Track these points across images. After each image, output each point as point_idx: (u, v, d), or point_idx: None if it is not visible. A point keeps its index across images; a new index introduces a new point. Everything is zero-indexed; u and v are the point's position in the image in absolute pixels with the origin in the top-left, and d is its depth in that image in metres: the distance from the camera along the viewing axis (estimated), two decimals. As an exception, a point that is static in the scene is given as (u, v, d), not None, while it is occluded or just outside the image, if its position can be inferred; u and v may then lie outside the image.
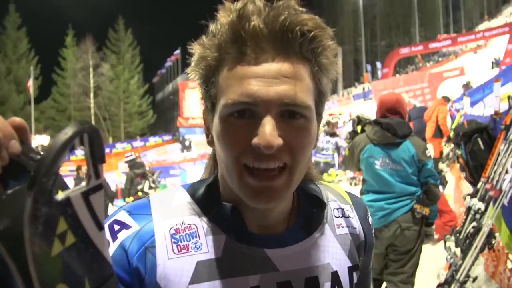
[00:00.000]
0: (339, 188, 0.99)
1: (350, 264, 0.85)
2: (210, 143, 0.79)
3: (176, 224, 0.76)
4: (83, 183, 0.47)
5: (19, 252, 0.38)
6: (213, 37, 0.71)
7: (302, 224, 0.83)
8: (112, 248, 0.72)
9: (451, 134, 9.29)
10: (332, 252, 0.84)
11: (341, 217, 0.90)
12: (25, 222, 0.38)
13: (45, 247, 0.40)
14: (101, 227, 0.49)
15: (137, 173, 9.91)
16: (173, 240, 0.74)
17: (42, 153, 0.45)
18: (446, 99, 10.01)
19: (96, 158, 0.47)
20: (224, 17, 0.70)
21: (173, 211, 0.78)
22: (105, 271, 0.50)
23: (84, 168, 9.50)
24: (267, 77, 0.67)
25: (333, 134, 7.91)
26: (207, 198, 0.80)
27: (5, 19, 52.26)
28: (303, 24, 0.67)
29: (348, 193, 0.99)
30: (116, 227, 0.75)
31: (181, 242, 0.74)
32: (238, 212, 0.77)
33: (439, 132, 9.32)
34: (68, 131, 0.42)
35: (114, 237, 0.74)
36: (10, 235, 0.38)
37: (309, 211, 0.85)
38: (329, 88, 0.76)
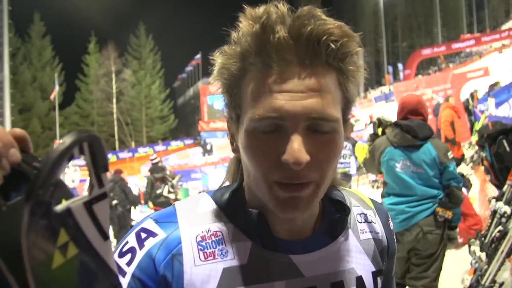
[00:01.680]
0: (361, 193, 0.99)
1: (374, 269, 0.85)
2: (235, 150, 0.79)
3: (202, 231, 0.76)
4: (85, 193, 0.47)
5: (17, 265, 0.38)
6: (235, 46, 0.71)
7: (326, 229, 0.83)
8: (139, 256, 0.73)
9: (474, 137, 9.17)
10: (356, 257, 0.83)
11: (364, 222, 0.90)
12: (23, 235, 0.38)
13: (45, 260, 0.40)
14: (106, 237, 0.48)
15: (157, 177, 10.00)
16: (199, 247, 0.75)
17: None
18: (447, 100, 9.93)
19: (98, 167, 0.46)
20: (246, 25, 0.68)
21: (199, 218, 0.78)
22: (110, 282, 0.49)
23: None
24: (294, 92, 0.66)
25: (348, 138, 7.65)
26: (232, 205, 0.80)
27: (30, 28, 53.59)
28: (330, 34, 0.66)
29: (370, 198, 0.98)
30: (143, 235, 0.76)
31: (207, 249, 0.75)
32: (264, 218, 0.77)
33: (452, 140, 9.17)
34: (65, 141, 0.42)
35: (141, 245, 0.74)
36: (8, 248, 0.38)
37: (333, 216, 0.85)
38: (356, 94, 0.76)
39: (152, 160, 10.54)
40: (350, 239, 0.85)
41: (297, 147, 0.65)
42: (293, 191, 0.68)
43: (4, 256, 0.38)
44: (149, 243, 0.74)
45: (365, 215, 0.91)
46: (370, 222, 0.91)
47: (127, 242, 0.76)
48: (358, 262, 0.83)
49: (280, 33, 0.65)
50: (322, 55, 0.67)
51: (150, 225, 0.77)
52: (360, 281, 0.81)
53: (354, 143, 7.69)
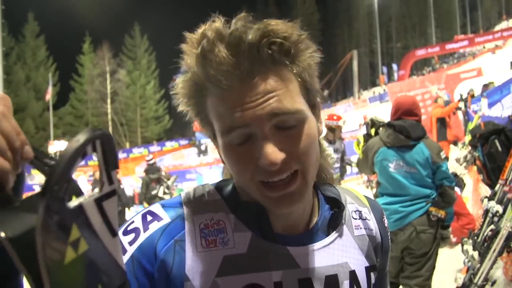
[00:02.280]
0: (357, 191, 1.02)
1: (367, 264, 0.88)
2: (223, 161, 0.83)
3: (206, 220, 0.80)
4: (96, 190, 0.47)
5: (31, 259, 0.38)
6: (187, 75, 0.74)
7: (321, 225, 0.86)
8: (142, 237, 0.76)
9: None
10: (350, 252, 0.86)
11: (358, 219, 0.93)
12: (37, 230, 0.38)
13: (58, 255, 0.40)
14: (114, 234, 0.49)
15: (152, 178, 9.97)
16: (202, 234, 0.78)
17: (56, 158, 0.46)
18: (436, 101, 10.18)
19: (109, 164, 0.47)
20: (190, 55, 0.71)
21: (203, 207, 0.82)
22: (118, 278, 0.50)
23: (98, 173, 9.65)
24: (250, 102, 0.69)
25: (337, 139, 6.97)
26: (234, 197, 0.84)
27: (24, 28, 53.27)
28: (267, 35, 0.68)
29: (366, 196, 1.01)
30: (149, 218, 0.79)
31: (209, 236, 0.78)
32: (263, 211, 0.79)
33: (441, 135, 9.28)
34: (79, 138, 0.42)
35: (146, 228, 0.77)
36: (23, 243, 0.38)
37: (328, 213, 0.88)
38: (315, 79, 0.77)
39: (148, 160, 10.52)
40: (345, 234, 0.87)
41: (269, 150, 0.69)
42: (282, 189, 0.72)
43: (18, 251, 0.38)
44: (154, 226, 0.78)
45: (360, 212, 0.94)
46: (365, 219, 0.93)
47: (132, 222, 0.79)
48: (352, 257, 0.86)
49: (220, 54, 0.67)
50: (265, 57, 0.69)
51: (157, 209, 0.81)
52: (353, 275, 0.84)
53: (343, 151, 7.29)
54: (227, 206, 0.82)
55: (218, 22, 0.70)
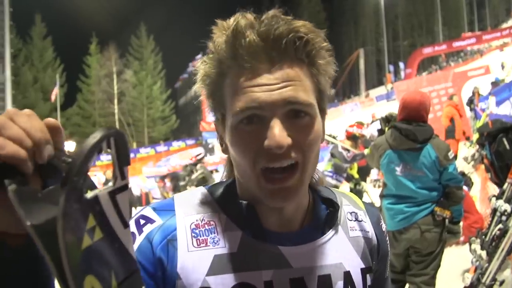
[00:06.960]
0: (353, 195, 1.03)
1: (363, 266, 0.88)
2: (225, 150, 0.85)
3: (197, 220, 0.82)
4: (110, 183, 0.51)
5: (53, 245, 0.41)
6: (213, 54, 0.78)
7: (316, 224, 0.87)
8: (139, 240, 0.79)
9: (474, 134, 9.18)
10: (344, 252, 0.87)
11: (354, 220, 0.93)
12: (59, 218, 0.42)
13: (76, 241, 0.43)
14: (126, 225, 0.52)
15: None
16: (193, 234, 0.80)
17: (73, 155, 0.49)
18: (451, 98, 10.07)
19: (122, 161, 0.51)
20: (219, 36, 0.76)
21: (194, 208, 0.84)
22: (130, 266, 0.53)
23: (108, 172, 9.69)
24: (268, 84, 0.73)
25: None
26: (225, 197, 0.86)
27: (31, 30, 53.60)
28: (295, 31, 0.73)
29: (362, 201, 1.02)
30: (142, 221, 0.82)
31: (200, 236, 0.80)
32: (253, 210, 0.82)
33: (449, 134, 9.17)
34: (96, 135, 0.46)
35: (140, 231, 0.80)
36: (46, 230, 0.42)
37: (323, 212, 0.89)
38: (329, 85, 0.82)
39: (197, 156, 10.34)
40: (339, 235, 0.88)
41: (277, 132, 0.71)
42: (279, 182, 0.74)
43: (41, 237, 0.42)
44: (147, 228, 0.80)
45: (356, 214, 0.94)
46: (360, 221, 0.94)
47: None
48: (347, 257, 0.86)
49: (250, 36, 0.73)
50: (290, 50, 0.74)
51: (149, 212, 0.84)
52: (347, 276, 0.84)
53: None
54: (218, 206, 0.84)
55: (249, 15, 0.75)
